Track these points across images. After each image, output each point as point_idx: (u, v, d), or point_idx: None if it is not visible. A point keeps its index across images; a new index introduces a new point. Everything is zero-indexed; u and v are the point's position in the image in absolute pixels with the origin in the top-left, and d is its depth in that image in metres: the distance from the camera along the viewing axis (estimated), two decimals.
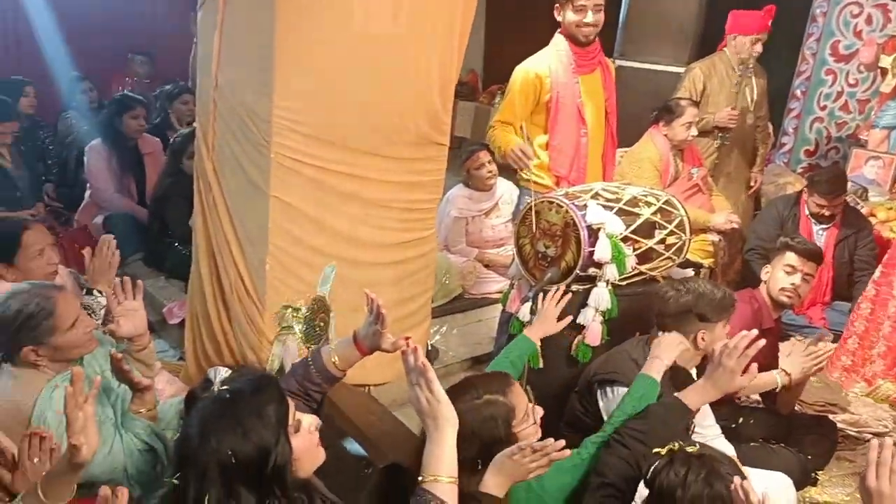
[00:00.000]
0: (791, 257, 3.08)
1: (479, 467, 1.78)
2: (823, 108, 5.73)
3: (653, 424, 2.07)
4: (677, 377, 2.38)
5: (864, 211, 4.67)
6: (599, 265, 2.73)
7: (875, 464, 1.46)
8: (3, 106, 4.87)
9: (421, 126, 2.95)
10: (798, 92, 5.81)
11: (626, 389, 2.26)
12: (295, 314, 2.54)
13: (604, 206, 2.77)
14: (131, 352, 2.25)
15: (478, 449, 1.81)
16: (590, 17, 3.36)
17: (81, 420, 1.60)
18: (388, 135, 2.88)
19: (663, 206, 2.91)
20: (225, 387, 1.55)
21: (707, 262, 4.16)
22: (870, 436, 3.29)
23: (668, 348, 2.32)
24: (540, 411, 1.96)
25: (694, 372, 2.54)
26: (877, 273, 3.82)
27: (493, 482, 1.73)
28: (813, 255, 3.12)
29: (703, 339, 2.46)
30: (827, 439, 3.05)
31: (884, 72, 5.27)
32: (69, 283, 2.89)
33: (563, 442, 1.70)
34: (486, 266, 4.39)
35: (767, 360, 2.54)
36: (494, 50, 8.01)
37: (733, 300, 2.55)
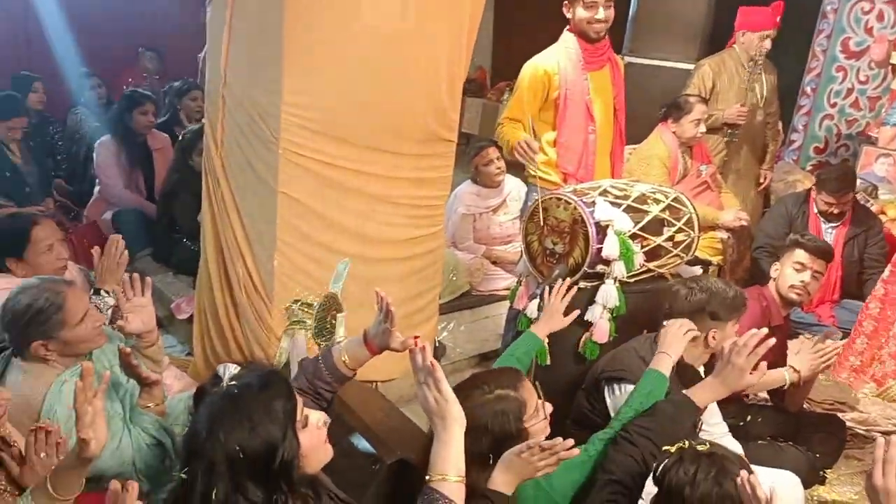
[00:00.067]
0: (801, 255, 3.07)
1: (490, 462, 1.78)
2: (834, 105, 5.70)
3: (660, 421, 2.07)
4: (685, 374, 2.37)
5: (874, 209, 4.64)
6: (607, 262, 2.73)
7: (882, 461, 1.46)
8: (11, 102, 4.89)
9: (429, 122, 2.95)
10: (808, 89, 5.78)
11: (633, 387, 2.26)
12: (306, 309, 2.54)
13: (612, 203, 2.77)
14: (139, 348, 2.26)
15: (489, 444, 1.81)
16: (601, 14, 3.35)
17: (90, 414, 1.61)
18: (397, 131, 2.88)
19: (672, 203, 2.90)
20: (233, 382, 1.55)
21: (715, 259, 4.15)
22: (878, 434, 3.27)
23: (675, 341, 2.30)
24: (549, 407, 1.96)
25: (702, 370, 2.53)
26: (886, 272, 3.79)
27: (501, 480, 1.73)
28: (823, 252, 3.10)
29: (713, 337, 2.46)
30: (835, 437, 3.04)
31: (895, 68, 5.24)
32: (78, 279, 2.91)
33: (571, 441, 1.70)
34: (494, 263, 4.39)
35: (776, 358, 2.53)
36: (503, 46, 8.00)
37: (745, 299, 2.54)
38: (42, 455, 1.73)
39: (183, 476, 1.48)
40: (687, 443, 1.80)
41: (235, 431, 1.46)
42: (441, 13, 2.82)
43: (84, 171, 5.51)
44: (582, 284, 2.79)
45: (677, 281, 2.65)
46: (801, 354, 2.77)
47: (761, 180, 4.96)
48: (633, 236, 2.74)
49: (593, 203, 2.76)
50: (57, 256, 2.78)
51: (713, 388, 2.13)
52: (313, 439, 1.61)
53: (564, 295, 2.65)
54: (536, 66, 3.44)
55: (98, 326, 2.19)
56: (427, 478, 1.61)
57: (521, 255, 3.07)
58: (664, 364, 2.24)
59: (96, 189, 4.86)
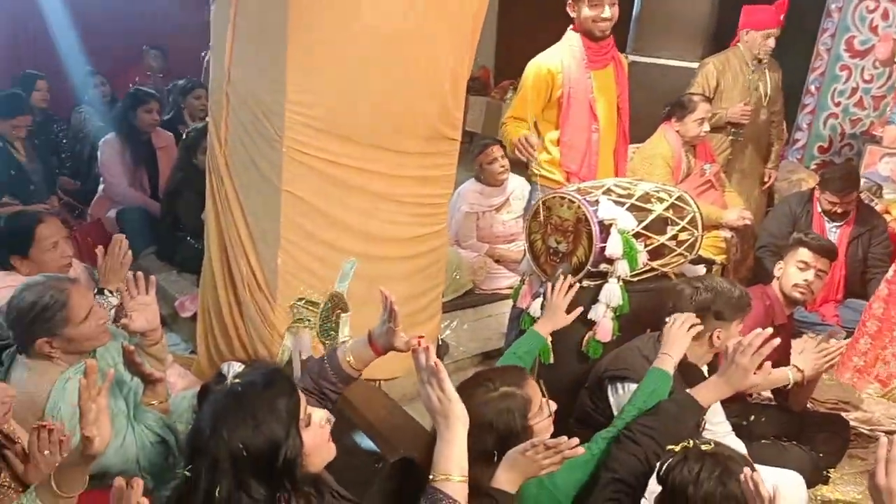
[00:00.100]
0: (804, 253, 3.06)
1: (495, 460, 1.78)
2: (838, 105, 5.68)
3: (664, 421, 2.07)
4: (689, 374, 2.37)
5: (878, 208, 4.62)
6: (611, 261, 2.72)
7: (884, 461, 1.46)
8: (16, 100, 4.90)
9: (432, 121, 2.95)
10: (812, 88, 5.76)
11: (636, 386, 2.26)
12: (310, 307, 2.54)
13: (615, 202, 2.77)
14: (143, 346, 2.27)
15: (494, 441, 1.82)
16: (606, 12, 3.35)
17: (94, 412, 1.61)
18: (400, 130, 2.88)
19: (675, 202, 2.90)
20: (237, 380, 1.56)
21: (719, 258, 4.14)
22: (882, 433, 3.27)
23: (678, 339, 2.30)
24: (553, 405, 1.96)
25: (705, 369, 2.53)
26: (890, 272, 3.78)
27: (505, 478, 1.73)
28: (826, 251, 3.10)
29: (718, 337, 2.45)
30: (839, 437, 3.04)
31: None
32: (83, 277, 2.92)
33: (576, 440, 1.70)
34: (497, 261, 4.39)
35: (780, 357, 2.53)
36: (506, 45, 8.00)
37: (750, 299, 2.54)
38: (45, 452, 1.74)
39: (186, 473, 1.48)
40: (691, 442, 1.80)
41: (239, 429, 1.46)
42: (444, 12, 2.81)
43: (88, 170, 5.53)
44: (585, 283, 2.79)
45: (682, 280, 2.64)
46: (805, 354, 2.77)
47: (765, 179, 4.95)
48: (637, 235, 2.74)
49: (597, 202, 2.75)
50: (61, 254, 2.79)
51: (717, 387, 2.13)
52: (316, 438, 1.61)
53: (566, 292, 2.65)
54: (540, 65, 3.43)
55: (102, 324, 2.20)
56: (431, 477, 1.61)
57: (525, 254, 3.07)
58: (668, 363, 2.24)
59: (100, 187, 4.87)
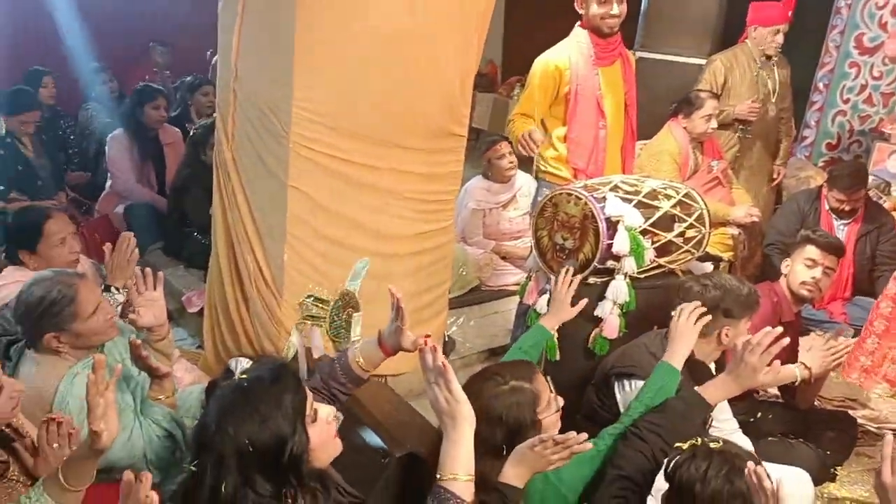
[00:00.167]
0: (812, 251, 3.05)
1: (504, 454, 1.79)
2: (846, 101, 5.65)
3: (671, 418, 2.06)
4: (696, 371, 2.37)
5: (886, 205, 4.60)
6: (618, 258, 2.72)
7: (890, 459, 1.45)
8: (25, 96, 4.92)
9: (439, 117, 2.95)
10: (821, 85, 5.74)
11: (643, 383, 2.25)
12: (320, 304, 2.54)
13: (623, 199, 2.76)
14: (150, 341, 2.27)
15: (503, 435, 1.83)
16: (615, 9, 3.35)
17: (102, 406, 1.62)
18: (407, 126, 2.88)
19: (683, 198, 2.89)
20: (243, 376, 1.56)
21: (726, 255, 4.13)
22: (889, 431, 3.25)
23: (686, 332, 2.27)
24: (560, 401, 1.97)
25: (713, 366, 2.53)
26: None
27: (513, 473, 1.74)
28: (834, 248, 3.08)
29: (726, 335, 2.44)
30: (846, 435, 3.03)
31: None
32: (90, 272, 2.93)
33: (585, 435, 1.71)
34: (503, 258, 4.39)
35: (787, 354, 2.52)
36: (514, 41, 7.98)
37: (758, 297, 2.53)
38: (55, 445, 1.75)
39: (193, 469, 1.49)
40: (699, 440, 1.79)
41: (245, 425, 1.46)
42: (451, 9, 2.81)
43: (95, 166, 5.55)
44: (592, 280, 2.79)
45: (690, 277, 2.63)
46: (813, 351, 2.75)
47: (774, 176, 4.92)
48: (644, 232, 2.74)
49: (604, 199, 2.75)
50: (69, 250, 2.80)
51: (725, 385, 2.13)
52: (323, 434, 1.61)
53: (569, 285, 2.64)
54: (548, 62, 3.43)
55: (110, 319, 2.21)
56: (438, 476, 1.62)
57: (531, 251, 3.06)
58: (676, 358, 2.23)
59: (108, 183, 4.88)
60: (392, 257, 2.99)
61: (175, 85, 6.07)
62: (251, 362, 1.61)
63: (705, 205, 2.95)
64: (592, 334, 2.80)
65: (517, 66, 6.96)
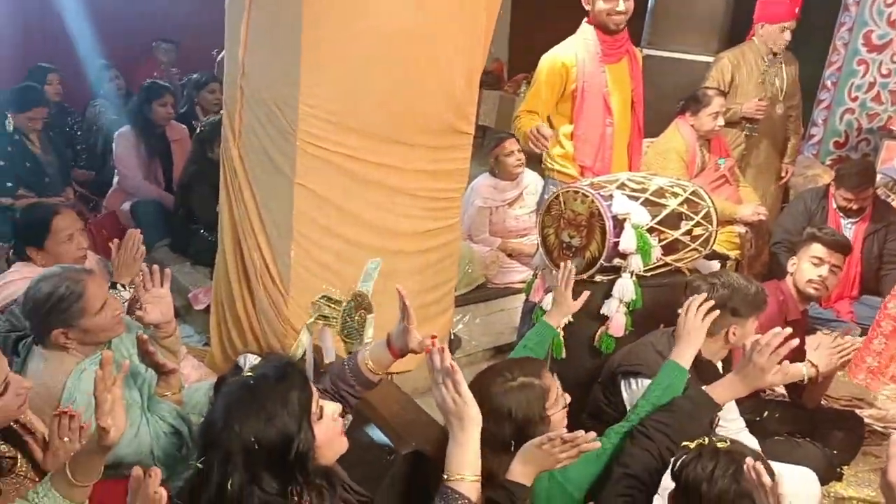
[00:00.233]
0: (818, 249, 3.04)
1: (512, 449, 1.79)
2: (855, 99, 5.63)
3: (678, 417, 2.06)
4: (703, 370, 2.36)
5: (894, 204, 4.59)
6: (624, 256, 2.72)
7: None
8: (33, 92, 4.93)
9: (446, 115, 2.95)
10: (828, 83, 5.71)
11: (649, 381, 2.25)
12: (332, 305, 2.54)
13: (630, 197, 2.75)
14: (157, 338, 2.28)
15: (512, 431, 1.84)
16: (621, 6, 3.34)
17: (110, 402, 1.62)
18: (413, 123, 2.87)
19: (690, 196, 2.88)
20: (249, 373, 1.56)
21: (733, 253, 4.13)
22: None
23: (694, 329, 2.25)
24: (567, 398, 1.97)
25: (720, 365, 2.52)
26: None
27: (520, 470, 1.74)
28: (840, 246, 3.07)
29: (734, 333, 2.44)
30: (853, 434, 3.02)
31: None
32: (97, 269, 2.94)
33: (593, 433, 1.71)
34: (510, 255, 4.38)
35: (794, 353, 2.50)
36: (520, 39, 7.97)
37: (766, 296, 2.52)
38: (65, 439, 1.76)
39: (199, 466, 1.49)
40: (706, 439, 1.79)
41: (251, 422, 1.47)
42: (457, 6, 2.81)
43: (103, 163, 5.56)
44: (598, 278, 2.78)
45: (698, 276, 2.62)
46: (820, 350, 2.74)
47: (783, 174, 4.91)
48: (651, 230, 2.73)
49: (611, 196, 2.75)
50: (77, 246, 2.81)
51: (733, 385, 2.12)
52: (328, 431, 1.61)
53: (567, 276, 2.63)
54: (554, 58, 3.42)
55: (117, 315, 2.21)
56: (444, 476, 1.63)
57: (538, 248, 3.06)
58: (684, 357, 2.21)
59: (115, 180, 4.90)
60: (398, 254, 2.99)
61: (182, 82, 6.07)
62: (259, 359, 1.61)
63: (712, 203, 2.94)
64: (599, 332, 2.79)
65: (523, 63, 6.93)
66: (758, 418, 2.82)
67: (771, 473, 1.59)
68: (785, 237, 4.31)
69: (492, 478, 1.73)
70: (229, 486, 1.44)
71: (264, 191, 2.87)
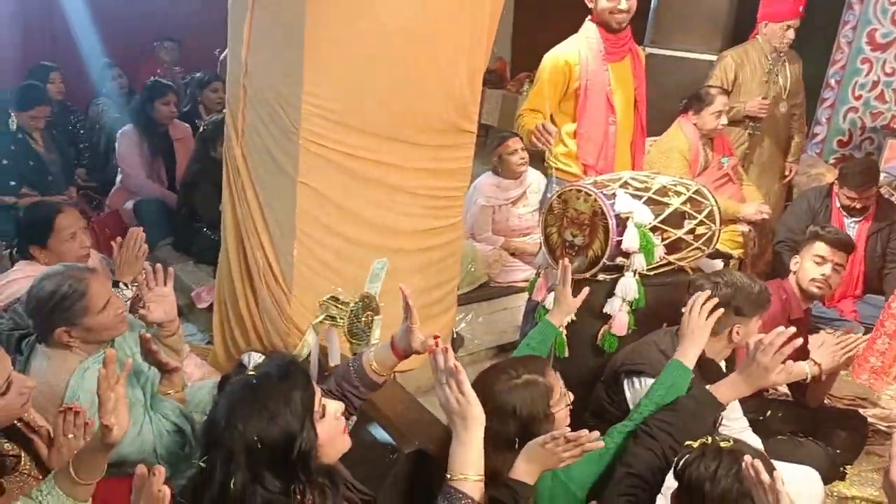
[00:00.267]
0: (821, 247, 3.03)
1: (516, 447, 1.80)
2: (858, 98, 5.61)
3: (682, 417, 2.05)
4: (706, 369, 2.36)
5: None
6: (627, 255, 2.71)
7: None
8: (35, 91, 4.93)
9: (448, 114, 2.95)
10: (832, 81, 5.70)
11: (653, 381, 2.24)
12: (339, 306, 2.54)
13: (633, 196, 2.75)
14: (160, 337, 2.28)
15: (517, 428, 1.85)
16: (623, 4, 3.33)
17: (113, 401, 1.62)
18: (416, 122, 2.87)
19: (693, 195, 2.88)
20: (252, 372, 1.56)
21: (737, 252, 4.12)
22: None
23: (698, 330, 2.23)
24: (571, 396, 1.97)
25: (723, 364, 2.52)
26: None
27: (523, 469, 1.74)
28: (843, 244, 3.07)
29: (737, 332, 2.43)
30: (857, 433, 3.01)
31: None
32: (100, 268, 2.94)
33: (597, 433, 1.71)
34: (513, 254, 4.38)
35: (797, 352, 2.51)
36: (523, 37, 7.96)
37: (769, 295, 2.52)
38: (70, 436, 1.76)
39: (202, 465, 1.49)
40: (709, 438, 1.79)
41: (254, 421, 1.47)
42: (457, 6, 2.80)
43: (105, 161, 5.57)
44: (601, 277, 2.78)
45: (701, 275, 2.62)
46: (823, 347, 2.73)
47: (786, 173, 4.90)
48: (654, 229, 2.73)
49: (613, 195, 2.74)
50: (80, 244, 2.81)
51: (737, 385, 2.12)
52: (331, 430, 1.61)
53: (564, 274, 2.62)
54: (557, 57, 3.42)
55: (120, 314, 2.21)
56: (448, 476, 1.64)
57: (540, 247, 3.06)
58: (688, 356, 2.20)
59: (118, 178, 4.90)
60: (401, 253, 2.99)
61: (185, 81, 6.08)
62: (263, 357, 1.62)
63: (716, 201, 2.94)
64: (601, 331, 2.79)
65: (526, 62, 6.92)
66: (761, 417, 2.82)
67: (771, 472, 1.59)
68: (788, 236, 4.30)
69: (496, 476, 1.73)
70: (232, 485, 1.44)
71: (267, 189, 2.87)
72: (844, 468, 2.95)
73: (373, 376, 2.00)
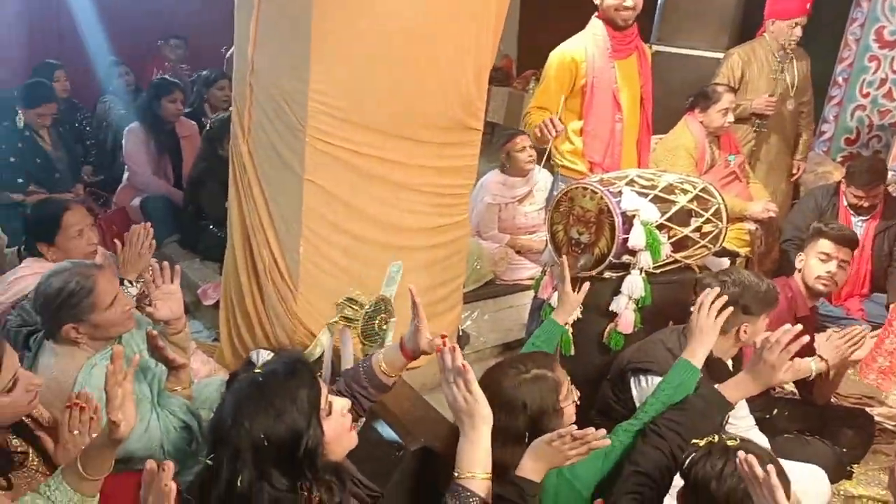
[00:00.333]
0: (825, 244, 3.02)
1: (526, 441, 1.81)
2: (866, 96, 5.59)
3: (691, 416, 2.05)
4: (714, 368, 2.35)
5: None
6: (633, 253, 2.70)
7: None
8: (42, 88, 4.95)
9: (455, 111, 2.95)
10: (840, 79, 5.68)
11: (659, 379, 2.24)
12: (355, 307, 2.55)
13: (639, 193, 2.74)
14: (167, 335, 2.29)
15: (526, 422, 1.86)
16: (629, 1, 3.33)
17: (120, 397, 1.63)
18: (422, 119, 2.87)
19: (700, 193, 2.87)
20: (258, 370, 1.57)
21: (743, 250, 4.11)
22: None
23: (707, 330, 2.21)
24: (577, 392, 1.98)
25: (730, 363, 2.51)
26: None
27: (530, 467, 1.74)
28: (847, 240, 3.05)
29: (745, 331, 2.42)
30: (863, 432, 3.01)
31: None
32: (106, 265, 2.95)
33: (603, 430, 1.71)
34: (518, 252, 4.38)
35: (804, 350, 2.50)
36: (529, 35, 7.95)
37: (777, 293, 2.51)
38: (76, 432, 1.77)
39: (209, 462, 1.50)
40: (716, 437, 1.78)
41: (260, 419, 1.47)
42: (458, 6, 2.80)
43: (112, 159, 5.58)
44: (607, 275, 2.78)
45: (709, 274, 2.61)
46: (829, 342, 2.71)
47: (794, 171, 4.88)
48: (660, 227, 2.72)
49: (620, 193, 2.73)
50: (87, 241, 2.82)
51: (745, 384, 2.11)
52: (338, 427, 1.62)
53: (563, 272, 2.63)
54: (564, 53, 3.41)
55: (127, 310, 2.22)
56: (456, 474, 1.64)
57: (546, 245, 3.06)
58: (696, 356, 2.19)
59: (125, 176, 4.91)
60: (406, 251, 2.99)
61: (192, 79, 6.09)
62: (272, 354, 1.62)
63: (722, 199, 2.93)
64: (607, 329, 2.79)
65: (532, 59, 6.91)
66: (767, 416, 2.81)
67: (783, 472, 1.58)
68: (795, 234, 4.29)
69: (505, 471, 1.74)
70: (239, 483, 1.44)
71: (273, 187, 2.88)
72: (851, 467, 2.95)
73: (382, 377, 2.00)
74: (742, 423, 2.41)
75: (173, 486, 1.39)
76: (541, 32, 5.77)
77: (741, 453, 1.60)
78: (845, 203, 4.27)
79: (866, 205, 4.18)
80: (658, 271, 2.77)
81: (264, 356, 1.61)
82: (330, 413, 1.60)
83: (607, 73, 3.42)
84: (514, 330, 3.89)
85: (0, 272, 2.96)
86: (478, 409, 1.66)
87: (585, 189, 2.80)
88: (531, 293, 3.36)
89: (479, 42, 2.92)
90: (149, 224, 2.78)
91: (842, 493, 2.87)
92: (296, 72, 2.66)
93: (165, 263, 2.35)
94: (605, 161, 3.47)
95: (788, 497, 1.55)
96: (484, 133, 3.19)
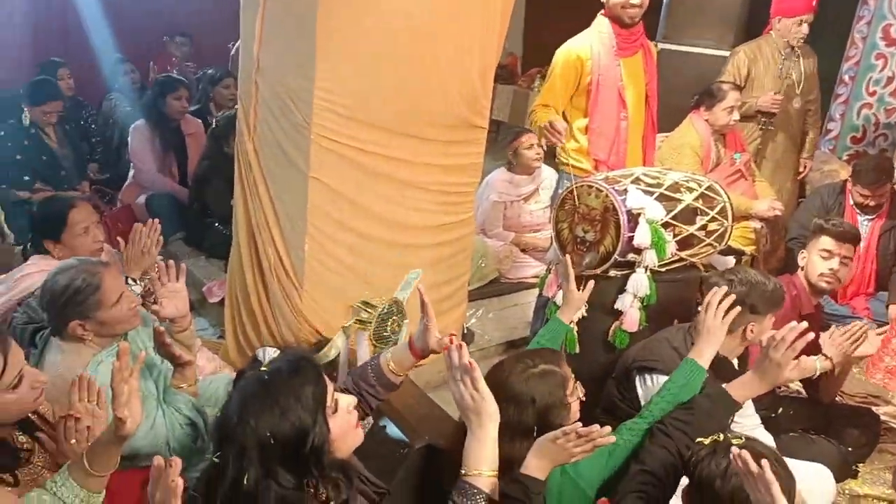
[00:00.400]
0: (826, 241, 3.01)
1: (535, 435, 1.81)
2: (873, 94, 5.56)
3: (698, 416, 2.04)
4: (719, 367, 2.34)
5: None
6: (639, 251, 2.70)
7: None
8: (47, 86, 4.96)
9: (460, 109, 2.95)
10: (846, 77, 5.65)
11: (665, 377, 2.23)
12: (369, 310, 2.55)
13: (644, 191, 2.74)
14: (172, 332, 2.29)
15: (535, 416, 1.87)
16: None
17: (126, 393, 1.64)
18: (427, 117, 2.87)
19: (705, 191, 2.86)
20: (263, 368, 1.57)
21: (749, 249, 4.09)
22: None
23: (714, 331, 2.20)
24: (582, 389, 1.98)
25: (735, 362, 2.51)
26: None
27: (535, 464, 1.74)
28: (848, 236, 3.04)
29: (751, 331, 2.42)
30: (869, 431, 3.00)
31: None
32: (112, 262, 2.96)
33: (608, 428, 1.71)
34: (523, 250, 4.38)
35: (809, 347, 2.49)
36: (534, 33, 7.95)
37: (783, 292, 2.50)
38: (73, 441, 1.77)
39: (215, 460, 1.50)
40: (721, 436, 1.78)
41: (266, 417, 1.47)
42: (458, 6, 2.79)
43: (118, 157, 5.59)
44: (612, 273, 2.77)
45: (715, 273, 2.60)
46: (832, 339, 2.70)
47: (800, 169, 4.86)
48: (665, 225, 2.72)
49: (625, 191, 2.73)
50: (93, 239, 2.83)
51: (751, 383, 2.11)
52: (343, 424, 1.61)
53: (566, 271, 2.63)
54: (570, 51, 3.41)
55: (133, 307, 2.23)
56: (463, 472, 1.65)
57: (552, 243, 3.05)
58: (703, 356, 2.18)
59: (131, 173, 4.92)
60: (411, 248, 3.00)
61: (197, 77, 6.10)
62: (278, 352, 1.62)
63: (728, 198, 2.92)
64: (612, 327, 2.79)
65: (537, 57, 6.92)
66: (773, 415, 2.80)
67: (788, 471, 1.58)
68: (801, 233, 4.27)
69: (511, 465, 1.74)
70: (245, 481, 1.44)
71: (279, 185, 2.88)
72: (857, 466, 2.94)
73: (390, 376, 2.00)
74: (747, 422, 2.40)
75: (180, 482, 1.39)
76: (546, 30, 5.77)
77: (734, 449, 1.61)
78: (851, 202, 4.25)
79: (872, 204, 4.17)
80: (663, 269, 2.77)
81: (271, 354, 1.62)
82: (336, 410, 1.60)
83: (613, 70, 3.41)
84: (518, 328, 3.89)
85: (6, 269, 2.96)
86: (485, 406, 1.66)
87: (591, 187, 2.80)
88: (536, 291, 3.36)
89: (485, 40, 2.92)
90: (157, 221, 2.78)
91: (847, 492, 2.87)
92: (301, 70, 2.66)
93: (171, 262, 2.35)
94: (610, 159, 3.47)
95: (793, 495, 1.55)
96: (489, 131, 3.19)
